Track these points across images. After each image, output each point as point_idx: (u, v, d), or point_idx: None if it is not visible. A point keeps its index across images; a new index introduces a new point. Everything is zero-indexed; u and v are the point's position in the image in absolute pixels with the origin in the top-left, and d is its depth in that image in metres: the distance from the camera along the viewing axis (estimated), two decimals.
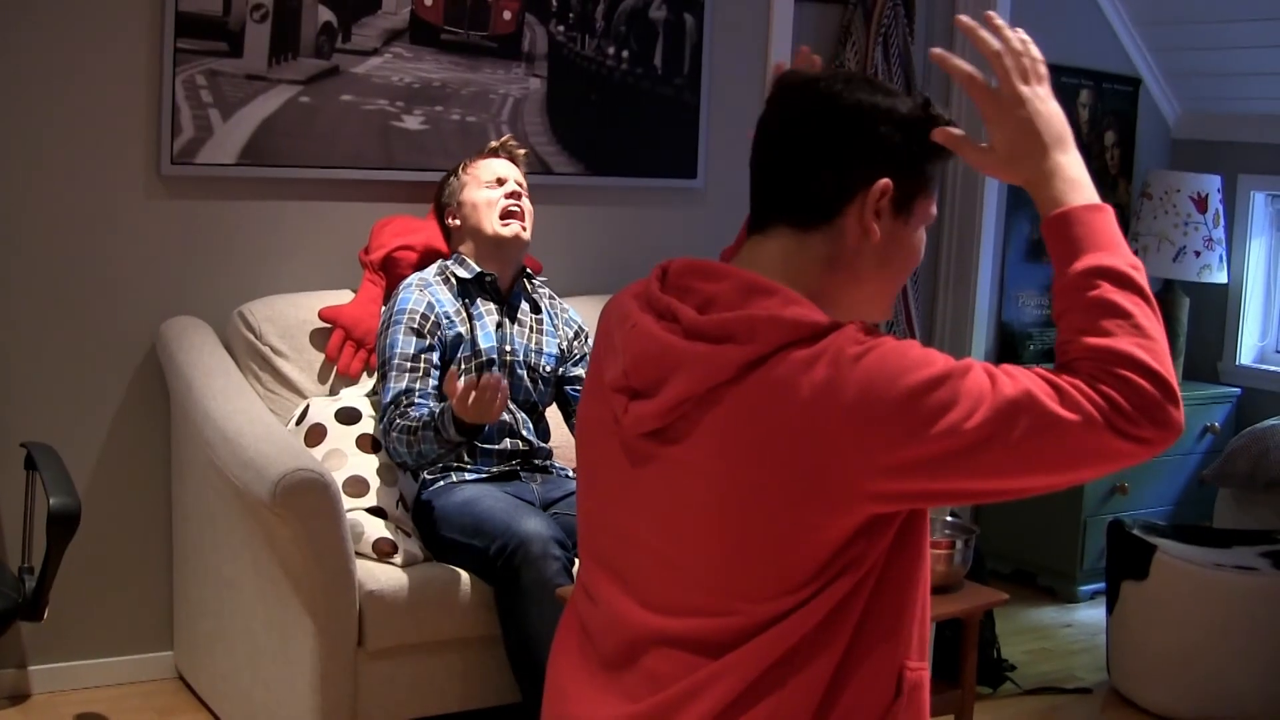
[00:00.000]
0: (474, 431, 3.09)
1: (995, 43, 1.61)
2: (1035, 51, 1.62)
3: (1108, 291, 1.51)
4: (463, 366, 3.32)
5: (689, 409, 1.56)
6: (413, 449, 3.15)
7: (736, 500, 1.54)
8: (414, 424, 3.15)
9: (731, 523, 1.55)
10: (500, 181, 3.46)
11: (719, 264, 1.64)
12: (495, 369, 3.36)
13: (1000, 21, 1.62)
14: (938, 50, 1.67)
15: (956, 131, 1.64)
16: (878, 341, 1.50)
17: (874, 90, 1.65)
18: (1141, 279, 1.54)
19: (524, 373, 3.44)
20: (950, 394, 1.46)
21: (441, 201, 3.54)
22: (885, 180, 1.61)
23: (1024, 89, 1.59)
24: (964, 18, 1.66)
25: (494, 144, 3.59)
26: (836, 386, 1.47)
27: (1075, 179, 1.59)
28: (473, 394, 2.93)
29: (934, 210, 1.69)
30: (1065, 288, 1.55)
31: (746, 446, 1.52)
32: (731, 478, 1.53)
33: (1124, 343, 1.49)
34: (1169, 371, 1.49)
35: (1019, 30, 1.63)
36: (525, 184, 3.53)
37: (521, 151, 3.60)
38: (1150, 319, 1.51)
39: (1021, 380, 1.48)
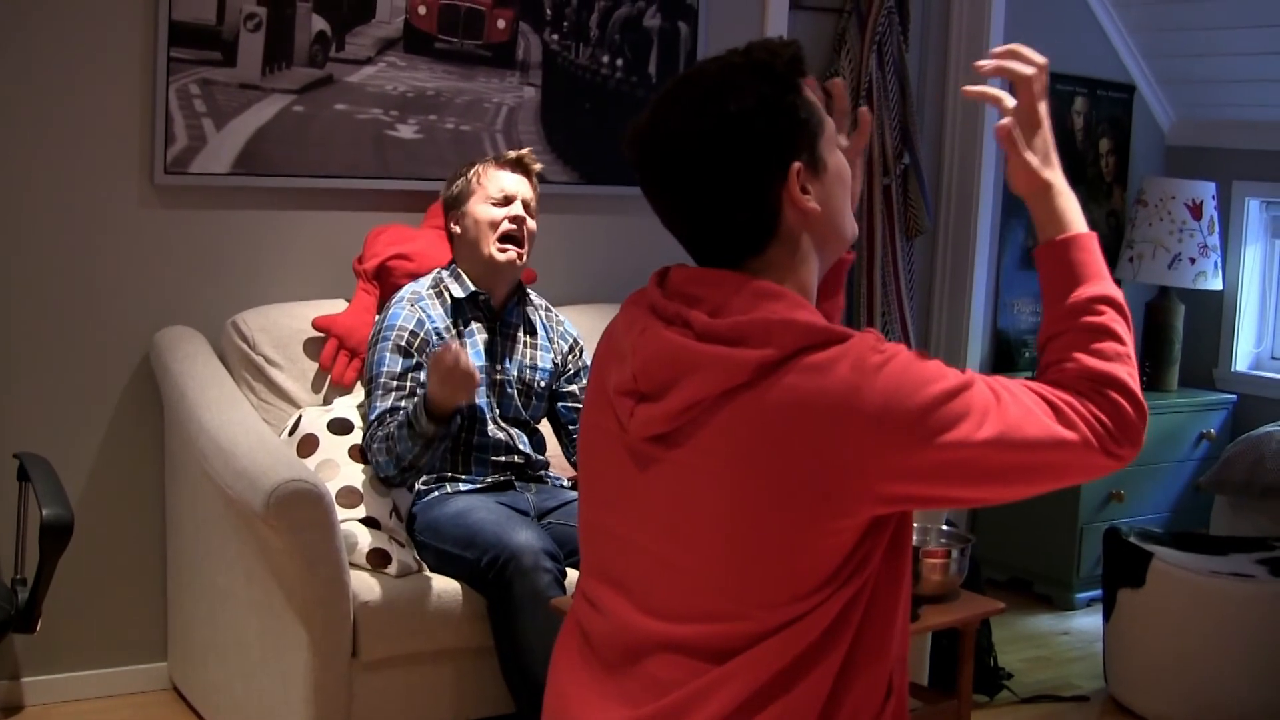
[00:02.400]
0: (445, 420, 3.09)
1: (1026, 69, 1.70)
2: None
3: (1111, 320, 1.63)
4: None
5: (699, 413, 1.56)
6: (391, 453, 3.15)
7: (748, 503, 1.55)
8: (392, 429, 3.15)
9: (742, 526, 1.56)
10: (507, 200, 3.40)
11: (722, 271, 1.66)
12: (483, 386, 3.34)
13: (1024, 50, 1.72)
14: (983, 63, 1.74)
15: (1008, 122, 1.71)
16: (895, 351, 1.55)
17: (708, 97, 1.63)
18: (1126, 307, 1.66)
19: (514, 391, 3.42)
20: (964, 407, 1.53)
21: (447, 201, 3.49)
22: (793, 165, 1.63)
23: (1043, 107, 1.72)
24: (985, 63, 1.74)
25: (511, 155, 3.50)
26: (861, 393, 1.51)
27: (1073, 199, 1.71)
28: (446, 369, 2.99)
29: (831, 123, 1.71)
30: (1069, 310, 1.64)
31: (760, 449, 1.54)
32: (743, 481, 1.55)
33: (1119, 369, 1.61)
34: (1142, 395, 1.62)
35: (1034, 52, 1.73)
36: (535, 200, 3.47)
37: (538, 167, 3.52)
38: (1132, 347, 1.64)
39: (1020, 397, 1.56)
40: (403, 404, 3.21)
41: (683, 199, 1.66)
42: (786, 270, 1.66)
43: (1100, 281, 1.65)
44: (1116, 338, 1.62)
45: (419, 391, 3.19)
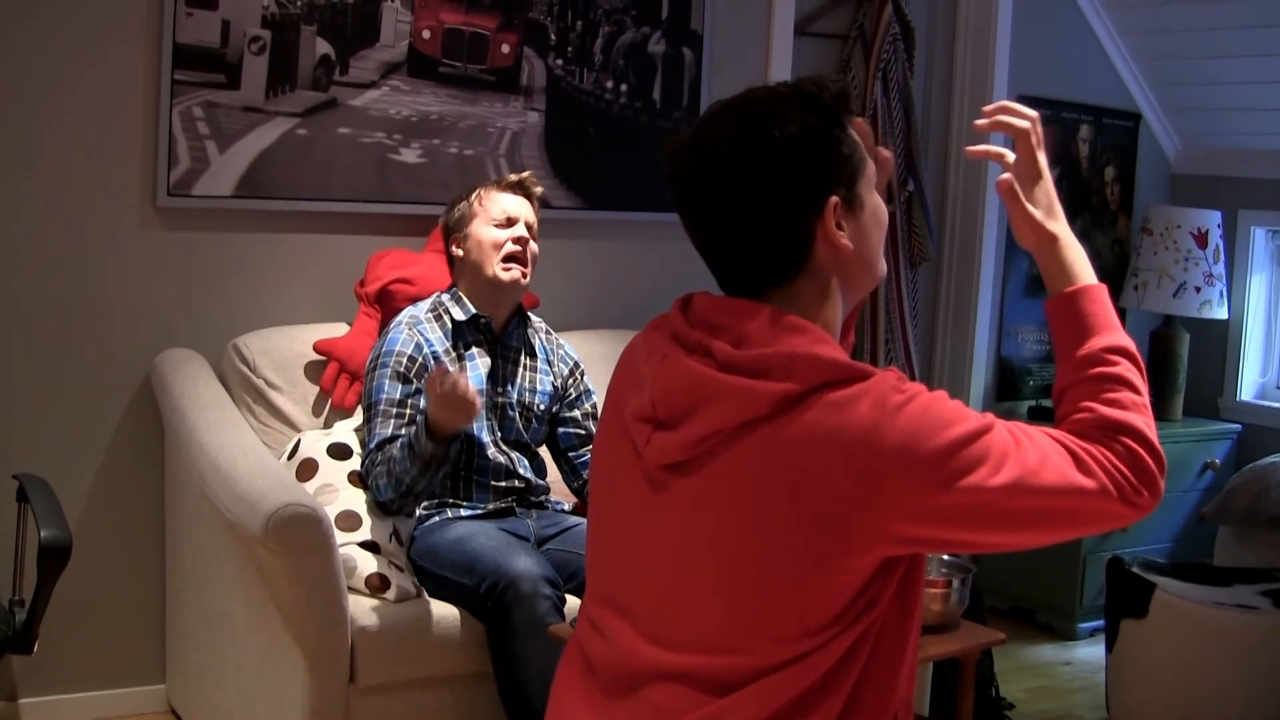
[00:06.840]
0: (445, 441, 3.08)
1: (1021, 122, 1.72)
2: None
3: (1126, 370, 1.64)
4: None
5: (716, 443, 1.55)
6: (391, 475, 3.14)
7: (760, 536, 1.54)
8: (394, 453, 3.14)
9: (753, 559, 1.55)
10: (510, 221, 3.39)
11: (747, 301, 1.65)
12: (483, 409, 3.33)
13: (1014, 105, 1.74)
14: (981, 121, 1.75)
15: (1008, 177, 1.72)
16: (916, 391, 1.55)
17: (753, 122, 1.63)
18: (1140, 357, 1.67)
19: (515, 414, 3.41)
20: (983, 451, 1.52)
21: (448, 225, 3.47)
22: (830, 198, 1.63)
23: (1042, 158, 1.73)
24: (982, 121, 1.76)
25: (513, 178, 3.48)
26: (880, 432, 1.50)
27: (1080, 249, 1.72)
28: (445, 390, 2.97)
29: (872, 165, 1.72)
30: (1082, 361, 1.65)
31: (775, 483, 1.53)
32: (756, 513, 1.54)
33: (1136, 419, 1.61)
34: (1159, 445, 1.62)
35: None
36: (536, 223, 3.46)
37: (539, 190, 3.50)
38: (1147, 396, 1.65)
39: (1040, 443, 1.56)
40: (403, 431, 3.19)
41: (716, 221, 1.65)
42: (812, 305, 1.65)
43: (1113, 332, 1.66)
44: (1132, 387, 1.62)
45: (419, 418, 3.18)
